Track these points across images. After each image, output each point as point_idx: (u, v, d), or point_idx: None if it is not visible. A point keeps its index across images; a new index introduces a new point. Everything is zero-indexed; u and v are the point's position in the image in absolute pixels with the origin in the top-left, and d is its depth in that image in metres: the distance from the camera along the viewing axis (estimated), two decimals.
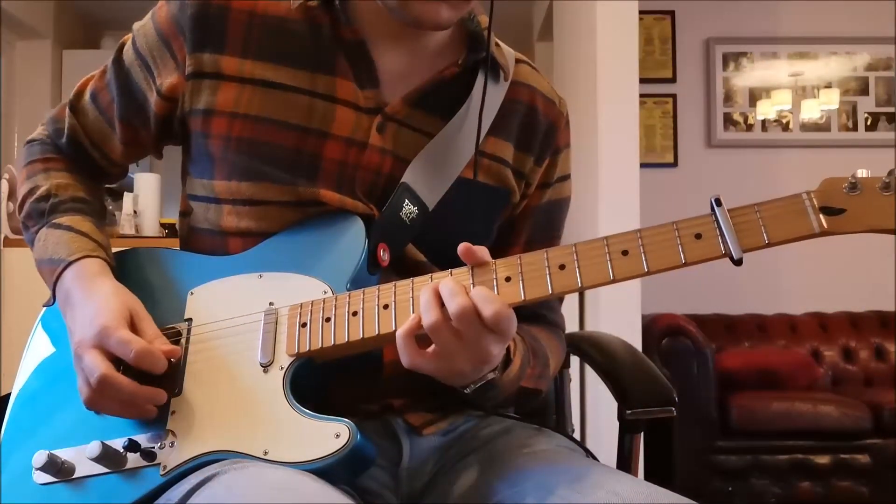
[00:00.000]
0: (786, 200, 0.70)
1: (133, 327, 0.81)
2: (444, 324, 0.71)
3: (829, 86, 4.13)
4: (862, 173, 0.69)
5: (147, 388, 0.78)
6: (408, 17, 0.84)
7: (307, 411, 0.75)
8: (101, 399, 0.78)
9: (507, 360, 0.83)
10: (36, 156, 0.99)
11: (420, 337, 0.73)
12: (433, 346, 0.73)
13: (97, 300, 0.82)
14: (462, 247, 0.75)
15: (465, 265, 0.77)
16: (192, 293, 0.87)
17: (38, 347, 0.93)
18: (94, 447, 0.77)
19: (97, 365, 0.77)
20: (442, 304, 0.71)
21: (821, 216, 0.69)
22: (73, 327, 0.83)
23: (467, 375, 0.76)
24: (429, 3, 0.83)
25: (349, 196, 0.86)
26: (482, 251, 0.75)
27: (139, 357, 0.77)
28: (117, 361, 0.78)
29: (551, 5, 3.98)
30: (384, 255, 0.85)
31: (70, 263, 0.87)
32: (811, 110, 4.10)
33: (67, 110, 0.98)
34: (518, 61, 0.98)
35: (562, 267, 0.73)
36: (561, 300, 1.05)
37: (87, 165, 1.00)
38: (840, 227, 0.69)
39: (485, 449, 0.88)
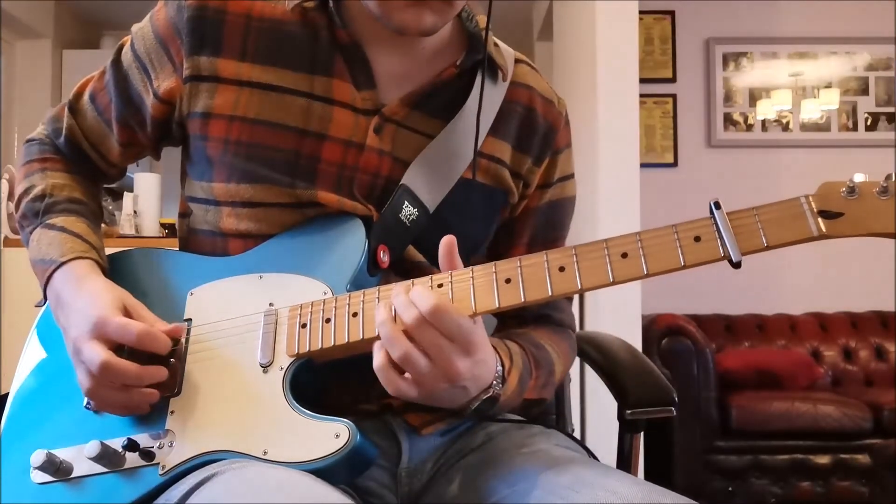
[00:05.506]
0: (784, 204, 0.70)
1: (129, 316, 0.81)
2: (409, 346, 0.71)
3: (829, 86, 4.13)
4: (860, 178, 0.70)
5: (150, 367, 0.78)
6: (392, 24, 0.83)
7: (307, 411, 0.75)
8: (103, 388, 0.78)
9: (504, 379, 0.82)
10: (34, 155, 0.99)
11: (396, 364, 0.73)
12: (407, 374, 0.73)
13: (89, 296, 0.82)
14: (447, 239, 0.76)
15: (467, 266, 0.77)
16: (191, 294, 0.87)
17: (36, 348, 0.93)
18: (92, 446, 0.77)
19: (98, 352, 0.77)
20: (403, 330, 0.71)
21: (819, 220, 0.69)
22: (66, 325, 0.83)
23: (447, 398, 0.75)
24: (411, 10, 0.82)
25: (348, 198, 0.86)
26: (457, 257, 0.76)
27: (141, 338, 0.78)
28: (117, 351, 0.78)
29: (551, 5, 3.98)
30: (384, 257, 0.85)
31: (61, 265, 0.87)
32: (811, 110, 4.10)
33: (66, 110, 0.99)
34: (517, 61, 0.98)
35: (561, 269, 0.73)
36: (570, 299, 1.05)
37: (84, 166, 1.00)
38: (838, 230, 0.69)
39: (484, 448, 0.88)
